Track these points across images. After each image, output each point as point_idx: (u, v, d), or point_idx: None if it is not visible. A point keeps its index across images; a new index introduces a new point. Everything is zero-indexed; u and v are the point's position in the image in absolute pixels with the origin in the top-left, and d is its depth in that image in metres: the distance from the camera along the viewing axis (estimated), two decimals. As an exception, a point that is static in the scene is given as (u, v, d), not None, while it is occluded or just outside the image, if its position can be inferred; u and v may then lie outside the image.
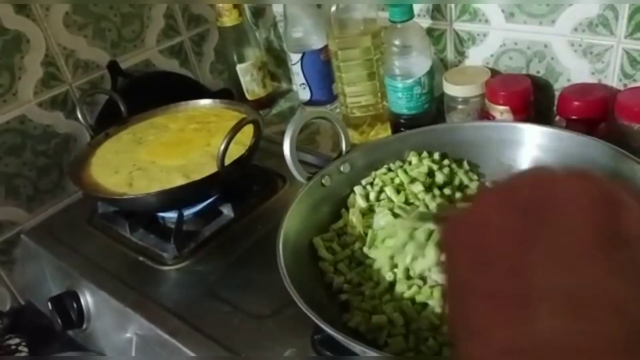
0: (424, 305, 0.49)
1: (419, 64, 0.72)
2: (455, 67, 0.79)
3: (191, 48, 0.99)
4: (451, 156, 0.64)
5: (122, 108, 0.81)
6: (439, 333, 0.46)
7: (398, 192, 0.59)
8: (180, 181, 0.66)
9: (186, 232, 0.69)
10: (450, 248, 0.27)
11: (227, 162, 0.65)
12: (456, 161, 0.63)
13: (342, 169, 0.62)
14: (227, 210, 0.72)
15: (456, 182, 0.61)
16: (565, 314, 0.21)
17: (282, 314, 0.56)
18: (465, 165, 0.63)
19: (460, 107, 0.72)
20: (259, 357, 0.53)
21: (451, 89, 0.72)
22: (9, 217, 0.81)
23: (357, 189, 0.61)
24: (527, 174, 0.27)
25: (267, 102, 1.00)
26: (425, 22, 0.78)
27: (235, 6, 0.92)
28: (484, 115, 0.71)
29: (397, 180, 0.61)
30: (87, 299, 0.68)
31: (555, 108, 0.68)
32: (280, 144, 0.58)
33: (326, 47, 0.84)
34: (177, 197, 0.67)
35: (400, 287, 0.50)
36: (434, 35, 0.79)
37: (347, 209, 0.61)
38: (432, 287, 0.49)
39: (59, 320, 0.67)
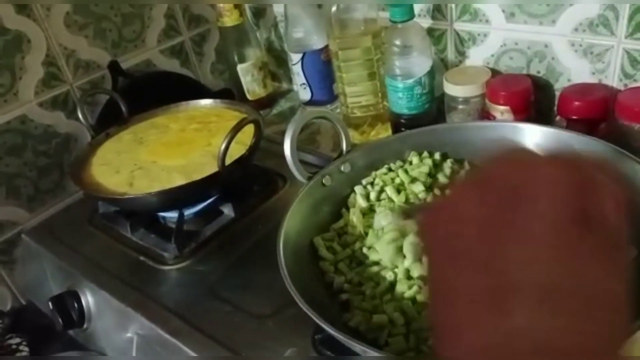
0: (425, 304, 0.49)
1: (420, 64, 0.72)
2: (455, 67, 0.79)
3: (192, 48, 0.99)
4: (452, 156, 0.64)
5: (123, 108, 0.81)
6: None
7: (399, 192, 0.60)
8: (181, 181, 0.66)
9: (187, 232, 0.69)
10: (427, 244, 0.27)
11: (228, 161, 0.65)
12: (457, 161, 0.63)
13: (342, 168, 0.62)
14: (227, 210, 0.72)
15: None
16: (540, 309, 0.21)
17: (282, 314, 0.56)
18: (466, 165, 0.63)
19: (460, 107, 0.72)
20: (259, 357, 0.53)
21: (452, 89, 0.72)
22: (10, 217, 0.81)
23: (358, 189, 0.61)
24: (500, 162, 0.26)
25: (267, 102, 1.00)
26: (426, 22, 0.78)
27: (236, 6, 0.92)
28: (485, 115, 0.71)
29: (397, 180, 0.61)
30: (88, 299, 0.68)
31: (555, 108, 0.68)
32: (281, 144, 0.58)
33: (327, 47, 0.84)
34: (177, 197, 0.67)
35: (400, 287, 0.50)
36: (434, 35, 0.79)
37: (348, 209, 0.61)
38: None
39: (60, 320, 0.67)
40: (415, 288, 0.49)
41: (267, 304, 0.58)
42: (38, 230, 0.80)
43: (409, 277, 0.51)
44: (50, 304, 0.67)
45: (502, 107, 0.67)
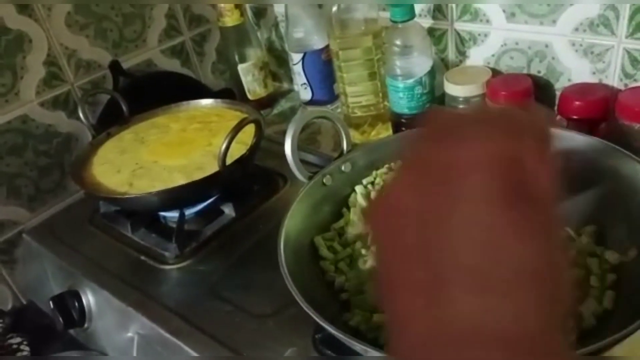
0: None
1: (420, 63, 0.72)
2: (456, 67, 0.79)
3: (193, 48, 0.99)
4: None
5: (124, 108, 0.81)
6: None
7: (399, 191, 0.59)
8: (181, 181, 0.66)
9: (187, 231, 0.69)
10: (373, 238, 0.25)
11: (229, 161, 0.65)
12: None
13: (343, 168, 0.62)
14: (228, 210, 0.72)
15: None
16: (478, 294, 0.20)
17: (283, 314, 0.56)
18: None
19: (461, 106, 0.72)
20: (260, 357, 0.53)
21: (452, 89, 0.72)
22: (11, 216, 0.81)
23: (359, 189, 0.61)
24: (428, 140, 0.24)
25: (268, 102, 1.00)
26: (427, 22, 0.78)
27: (237, 6, 0.92)
28: (485, 115, 0.71)
29: (398, 180, 0.61)
30: (89, 299, 0.68)
31: (556, 108, 0.68)
32: (282, 144, 0.58)
33: (327, 47, 0.84)
34: (178, 197, 0.67)
35: (401, 287, 0.50)
36: (435, 35, 0.79)
37: (349, 209, 0.61)
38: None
39: (61, 320, 0.67)
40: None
41: (267, 303, 0.58)
42: (39, 229, 0.81)
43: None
44: (51, 303, 0.67)
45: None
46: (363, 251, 0.55)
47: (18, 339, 0.75)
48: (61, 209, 0.85)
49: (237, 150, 0.67)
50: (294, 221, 0.55)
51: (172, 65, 0.96)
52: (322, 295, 0.52)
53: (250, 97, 0.98)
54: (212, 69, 1.04)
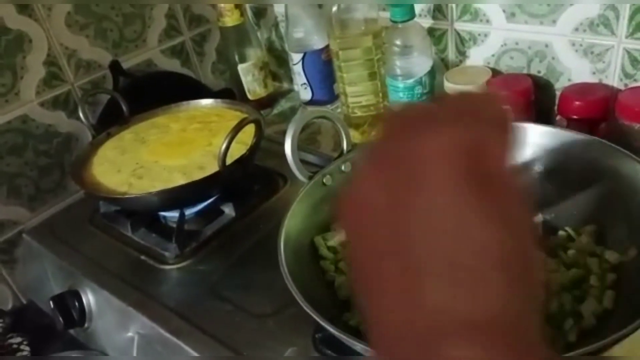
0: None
1: (420, 63, 0.72)
2: (456, 67, 0.79)
3: (193, 48, 0.99)
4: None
5: (124, 108, 0.81)
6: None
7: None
8: (181, 181, 0.66)
9: (188, 231, 0.69)
10: (344, 235, 0.25)
11: (229, 161, 0.65)
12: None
13: (343, 168, 0.62)
14: (228, 210, 0.72)
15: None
16: (450, 283, 0.21)
17: (283, 313, 0.56)
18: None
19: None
20: (260, 356, 0.53)
21: (452, 89, 0.72)
22: (11, 216, 0.81)
23: (359, 189, 0.61)
24: (390, 139, 0.24)
25: (268, 102, 1.00)
26: (427, 22, 0.78)
27: (237, 6, 0.92)
28: (485, 115, 0.71)
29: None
30: (89, 298, 0.68)
31: (556, 108, 0.68)
32: (282, 144, 0.58)
33: (327, 47, 0.84)
34: (178, 197, 0.67)
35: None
36: (435, 35, 0.79)
37: (349, 209, 0.61)
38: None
39: (61, 319, 0.67)
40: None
41: (267, 303, 0.58)
42: (39, 229, 0.81)
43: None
44: (51, 303, 0.67)
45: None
46: None
47: (18, 339, 0.75)
48: (61, 208, 0.85)
49: (237, 150, 0.67)
50: (294, 221, 0.55)
51: (172, 65, 0.96)
52: (322, 295, 0.52)
53: (250, 97, 0.98)
54: (212, 69, 1.04)
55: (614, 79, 0.66)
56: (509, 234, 0.21)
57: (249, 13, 1.00)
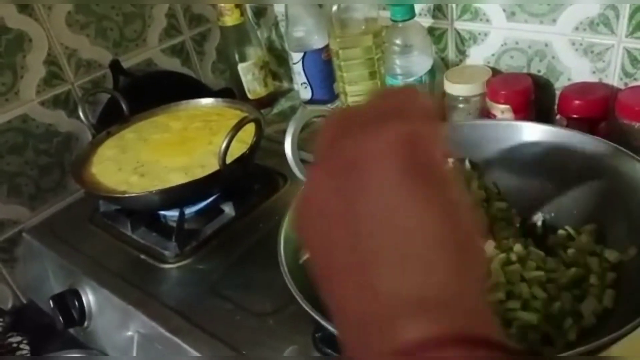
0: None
1: (420, 63, 0.72)
2: (456, 66, 0.79)
3: (193, 47, 0.99)
4: (452, 155, 0.64)
5: (124, 107, 0.81)
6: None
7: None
8: (181, 180, 0.66)
9: (187, 230, 0.69)
10: (301, 238, 0.27)
11: (229, 160, 0.65)
12: (457, 160, 0.63)
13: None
14: (228, 209, 0.72)
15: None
16: (401, 270, 0.22)
17: (283, 312, 0.56)
18: (467, 164, 0.63)
19: (461, 106, 0.72)
20: (260, 356, 0.53)
21: (452, 88, 0.72)
22: (11, 215, 0.81)
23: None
24: (332, 143, 0.26)
25: (268, 101, 1.00)
26: (427, 22, 0.78)
27: (237, 6, 0.92)
28: (485, 114, 0.71)
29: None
30: (89, 297, 0.68)
31: (556, 107, 0.68)
32: (282, 143, 0.58)
33: (327, 46, 0.84)
34: (178, 196, 0.67)
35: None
36: (435, 35, 0.79)
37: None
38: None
39: (61, 319, 0.67)
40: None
41: (267, 302, 0.58)
42: (39, 228, 0.81)
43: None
44: (51, 302, 0.67)
45: (502, 106, 0.68)
46: None
47: (18, 338, 0.75)
48: (61, 207, 0.85)
49: (238, 149, 0.67)
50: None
51: (173, 64, 0.97)
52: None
53: (250, 96, 0.98)
54: (212, 68, 1.04)
55: (613, 78, 0.66)
56: (447, 217, 0.23)
57: (249, 12, 1.00)
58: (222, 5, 0.91)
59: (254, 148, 0.69)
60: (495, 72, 0.73)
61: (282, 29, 0.99)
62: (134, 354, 0.62)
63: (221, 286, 0.62)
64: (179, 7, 0.94)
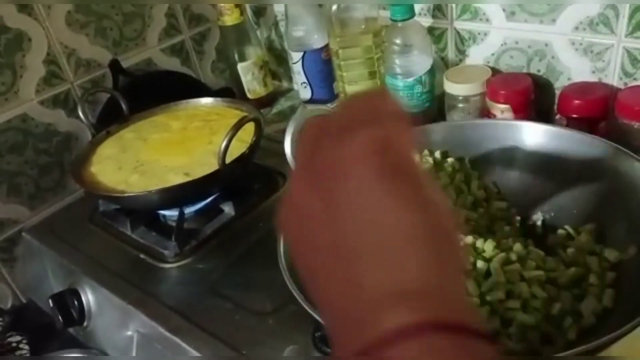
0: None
1: (420, 62, 0.72)
2: (456, 65, 0.79)
3: (192, 47, 0.99)
4: (452, 154, 0.64)
5: (124, 106, 0.81)
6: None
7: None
8: (181, 179, 0.66)
9: (187, 230, 0.69)
10: (286, 241, 0.29)
11: (229, 160, 0.65)
12: (457, 159, 0.63)
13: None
14: (228, 209, 0.72)
15: (457, 180, 0.61)
16: (382, 264, 0.24)
17: (283, 312, 0.56)
18: (467, 164, 0.63)
19: (460, 105, 0.72)
20: (260, 355, 0.53)
21: (452, 88, 0.72)
22: (11, 215, 0.81)
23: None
24: (312, 150, 0.27)
25: (268, 101, 1.00)
26: (426, 21, 0.78)
27: (237, 5, 0.92)
28: (485, 113, 0.71)
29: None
30: (89, 297, 0.68)
31: (555, 107, 0.68)
32: (281, 143, 0.58)
33: (327, 46, 0.84)
34: (178, 195, 0.67)
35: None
36: (435, 34, 0.79)
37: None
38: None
39: (60, 318, 0.67)
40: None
41: (267, 301, 0.58)
42: (39, 228, 0.81)
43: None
44: (50, 302, 0.67)
45: (502, 106, 0.68)
46: None
47: (18, 338, 0.75)
48: (61, 207, 0.85)
49: (237, 148, 0.67)
50: (293, 219, 0.54)
51: (172, 64, 0.96)
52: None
53: (250, 96, 0.98)
54: (212, 67, 1.04)
55: (613, 78, 0.66)
56: (423, 213, 0.25)
57: (249, 12, 1.00)
58: (222, 4, 0.91)
59: (253, 147, 0.69)
60: (495, 71, 0.73)
61: (282, 29, 0.99)
62: (134, 354, 0.62)
63: (221, 286, 0.62)
64: (179, 6, 0.94)
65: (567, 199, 0.56)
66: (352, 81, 0.78)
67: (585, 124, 0.62)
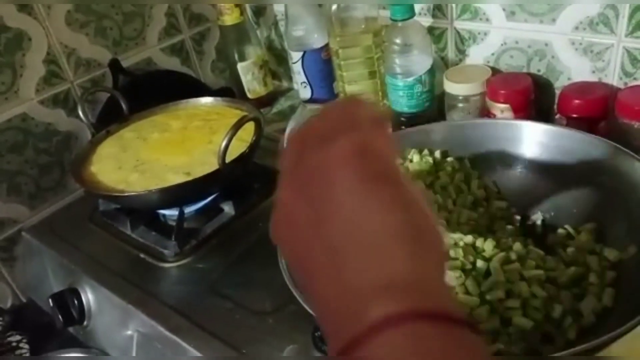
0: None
1: (420, 62, 0.72)
2: (456, 65, 0.79)
3: (192, 46, 0.99)
4: (452, 154, 0.64)
5: (124, 106, 0.81)
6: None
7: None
8: (181, 178, 0.66)
9: (187, 229, 0.69)
10: (279, 245, 0.31)
11: (229, 159, 0.65)
12: (457, 159, 0.63)
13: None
14: (228, 208, 0.72)
15: (457, 180, 0.61)
16: (369, 260, 0.25)
17: (283, 311, 0.56)
18: (467, 163, 0.63)
19: (460, 105, 0.72)
20: (260, 355, 0.53)
21: (452, 88, 0.72)
22: (11, 214, 0.81)
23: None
24: (297, 157, 0.29)
25: (268, 100, 1.00)
26: (426, 21, 0.78)
27: (237, 5, 0.92)
28: (485, 113, 0.71)
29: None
30: (88, 296, 0.68)
31: (555, 106, 0.68)
32: (281, 142, 0.58)
33: (327, 45, 0.84)
34: (178, 195, 0.67)
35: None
36: (435, 34, 0.79)
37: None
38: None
39: (60, 318, 0.67)
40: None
41: (267, 300, 0.58)
42: (39, 227, 0.81)
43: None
44: (50, 301, 0.67)
45: (502, 106, 0.68)
46: None
47: (17, 337, 0.75)
48: (61, 206, 0.85)
49: (237, 148, 0.67)
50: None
51: (172, 63, 0.96)
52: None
53: (249, 95, 0.98)
54: (212, 67, 1.04)
55: (613, 78, 0.66)
56: (404, 213, 0.26)
57: (249, 12, 0.99)
58: (222, 4, 0.91)
59: (253, 147, 0.69)
60: (495, 71, 0.73)
61: (282, 28, 0.99)
62: (134, 353, 0.62)
63: (221, 285, 0.62)
64: (179, 6, 0.94)
65: (567, 198, 0.56)
66: (352, 81, 0.78)
67: (585, 123, 0.62)
